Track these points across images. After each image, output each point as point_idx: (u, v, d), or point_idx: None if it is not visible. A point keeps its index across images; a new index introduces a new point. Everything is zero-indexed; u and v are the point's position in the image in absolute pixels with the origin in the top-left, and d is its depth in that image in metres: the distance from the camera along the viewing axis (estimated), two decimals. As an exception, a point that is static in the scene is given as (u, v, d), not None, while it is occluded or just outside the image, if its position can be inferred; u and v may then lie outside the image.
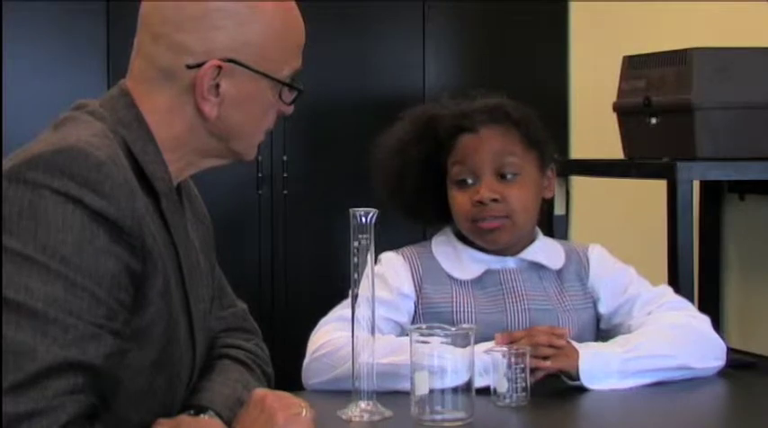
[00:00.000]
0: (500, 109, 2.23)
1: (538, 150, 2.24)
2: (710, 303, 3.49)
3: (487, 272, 2.23)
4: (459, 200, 2.22)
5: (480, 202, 2.18)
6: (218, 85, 1.62)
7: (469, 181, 2.21)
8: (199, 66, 1.61)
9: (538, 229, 2.29)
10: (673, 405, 2.03)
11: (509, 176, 2.20)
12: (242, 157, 1.72)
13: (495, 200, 2.18)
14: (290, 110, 1.72)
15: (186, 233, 1.69)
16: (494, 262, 2.24)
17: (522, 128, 2.22)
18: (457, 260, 2.24)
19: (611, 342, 2.14)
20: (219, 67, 1.61)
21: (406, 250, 2.27)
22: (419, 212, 2.33)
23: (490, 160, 2.20)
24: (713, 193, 3.63)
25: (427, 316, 2.19)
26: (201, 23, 1.62)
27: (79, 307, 1.45)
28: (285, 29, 1.68)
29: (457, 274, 2.22)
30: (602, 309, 2.26)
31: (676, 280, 2.96)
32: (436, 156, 2.25)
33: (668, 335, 2.13)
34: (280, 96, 1.69)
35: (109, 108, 1.64)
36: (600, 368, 2.05)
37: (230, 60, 1.62)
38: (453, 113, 2.25)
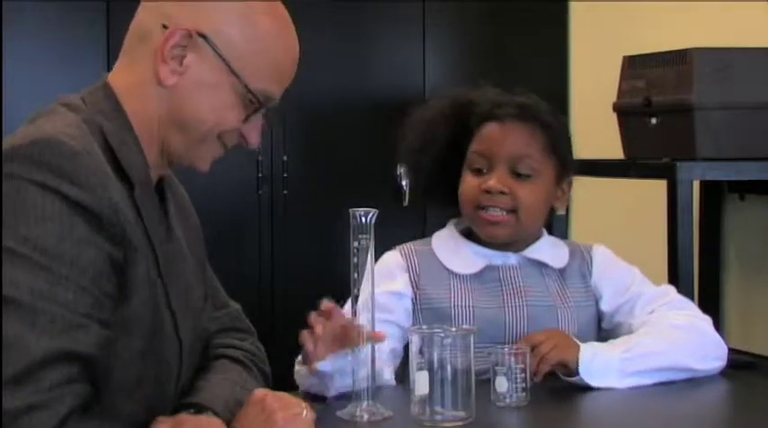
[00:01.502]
0: (532, 108, 2.22)
1: (558, 159, 2.22)
2: (710, 303, 3.49)
3: (488, 268, 2.22)
4: (469, 184, 2.21)
5: (488, 191, 2.18)
6: (183, 57, 1.62)
7: (484, 169, 2.20)
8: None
9: (543, 229, 2.29)
10: (672, 405, 2.03)
11: (523, 175, 2.19)
12: (195, 164, 1.69)
13: (502, 193, 2.18)
14: (253, 139, 1.69)
15: (165, 223, 1.69)
16: (495, 257, 2.23)
17: (548, 132, 2.21)
18: (458, 254, 2.23)
19: (610, 342, 2.14)
20: (189, 37, 1.61)
21: (405, 247, 2.26)
22: (432, 192, 2.32)
23: (508, 153, 2.19)
24: (713, 193, 3.63)
25: (426, 311, 2.19)
26: (194, 3, 1.63)
27: (65, 298, 1.45)
28: (272, 45, 1.67)
29: (456, 268, 2.22)
30: (604, 307, 2.26)
31: (676, 280, 2.96)
32: (461, 139, 2.24)
33: (669, 335, 2.13)
34: (242, 103, 1.66)
35: (90, 101, 1.64)
36: (600, 364, 2.05)
37: (203, 36, 1.62)
38: (488, 100, 2.24)
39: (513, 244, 2.24)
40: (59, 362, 1.43)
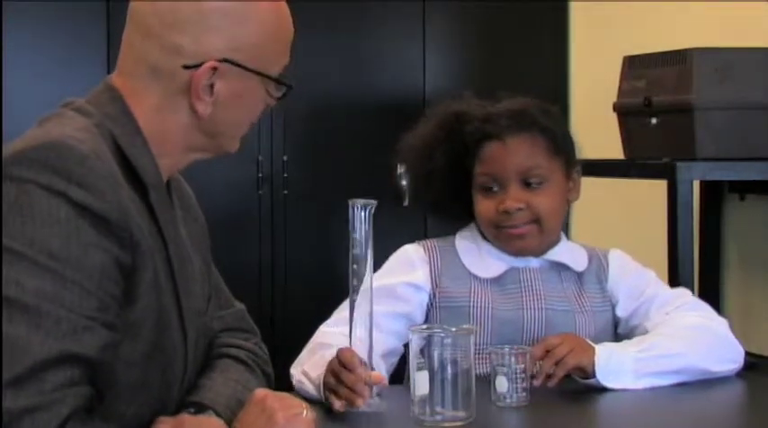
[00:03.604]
0: (526, 114, 2.20)
1: (564, 155, 2.22)
2: (711, 303, 3.47)
3: (508, 270, 2.22)
4: (485, 207, 2.21)
5: (506, 212, 2.17)
6: (212, 85, 1.63)
7: (495, 188, 2.19)
8: (196, 66, 1.61)
9: (561, 233, 2.28)
10: (673, 405, 2.03)
11: (535, 184, 2.18)
12: (227, 151, 1.73)
13: (520, 209, 2.17)
14: (273, 102, 1.72)
15: (176, 227, 1.69)
16: (516, 261, 2.23)
17: (548, 134, 2.19)
18: (479, 257, 2.22)
19: (625, 342, 2.13)
20: (215, 68, 1.62)
21: (428, 242, 2.26)
22: (445, 211, 2.32)
23: (516, 169, 2.18)
24: (713, 193, 3.63)
25: (444, 309, 2.18)
26: (197, 25, 1.61)
27: (70, 301, 1.45)
28: (278, 27, 1.68)
29: (478, 272, 2.21)
30: (620, 313, 2.25)
31: (676, 281, 2.96)
32: (462, 157, 2.23)
33: (683, 336, 2.13)
34: (267, 91, 1.69)
35: (96, 104, 1.64)
36: (615, 365, 2.04)
37: (225, 60, 1.62)
38: (478, 117, 2.22)
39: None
40: (62, 365, 1.43)
